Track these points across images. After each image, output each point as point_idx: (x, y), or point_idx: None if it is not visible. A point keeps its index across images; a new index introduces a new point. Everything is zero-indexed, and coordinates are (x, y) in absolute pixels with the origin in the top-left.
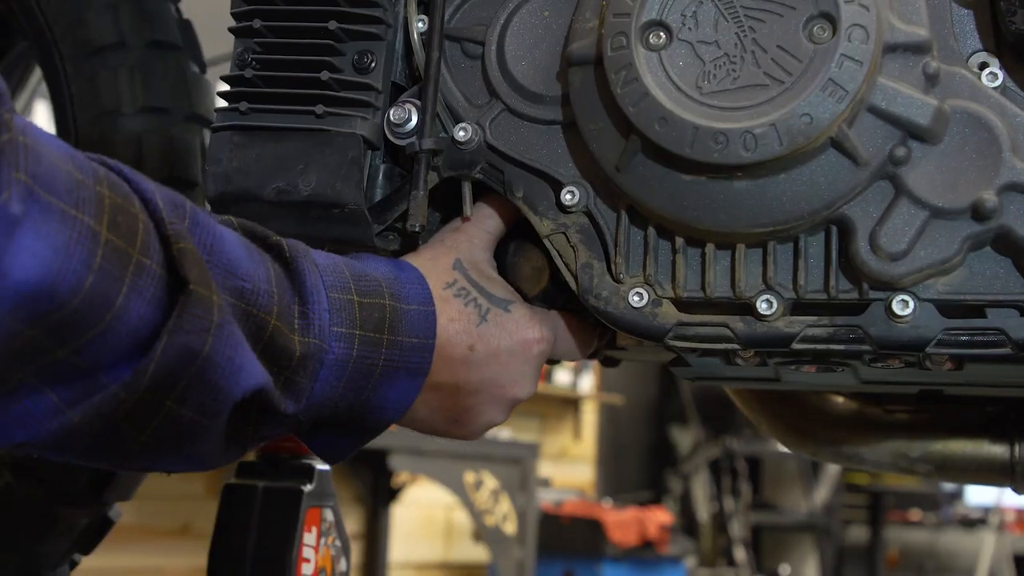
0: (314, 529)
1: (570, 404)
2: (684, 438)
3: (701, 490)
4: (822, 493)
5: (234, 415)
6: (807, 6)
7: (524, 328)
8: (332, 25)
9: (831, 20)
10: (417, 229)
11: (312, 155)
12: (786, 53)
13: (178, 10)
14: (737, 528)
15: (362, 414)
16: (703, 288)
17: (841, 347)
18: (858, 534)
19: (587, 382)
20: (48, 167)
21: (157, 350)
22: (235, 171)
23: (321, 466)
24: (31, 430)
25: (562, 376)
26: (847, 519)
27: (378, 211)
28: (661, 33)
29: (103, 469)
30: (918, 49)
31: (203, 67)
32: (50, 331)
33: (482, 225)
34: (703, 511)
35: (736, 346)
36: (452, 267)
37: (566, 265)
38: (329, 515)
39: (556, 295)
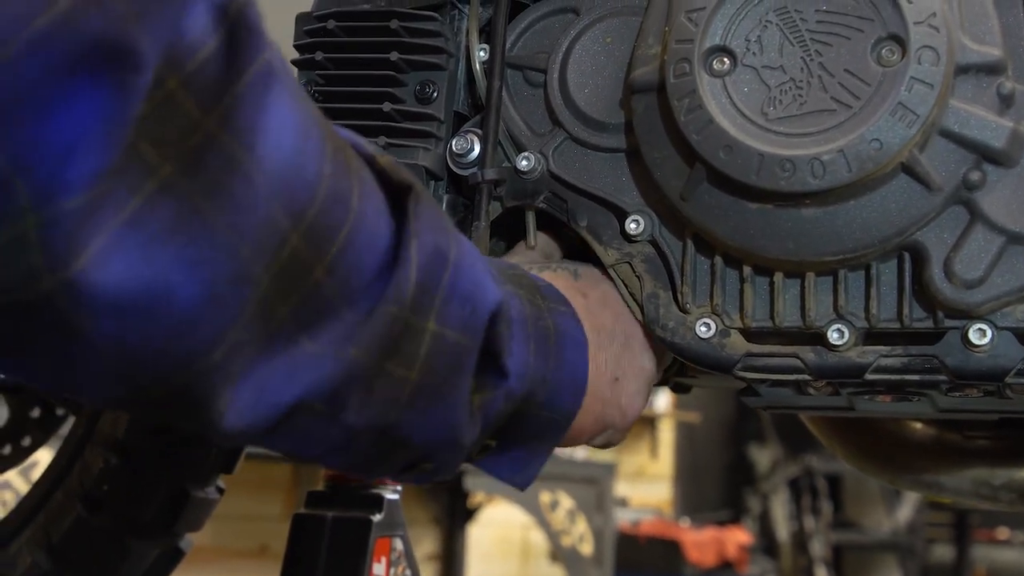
0: (383, 559)
1: (647, 423)
2: (763, 456)
3: (780, 509)
4: (905, 511)
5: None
6: (875, 28)
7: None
8: (393, 56)
9: (900, 42)
10: None
11: None
12: (854, 77)
13: None
14: (818, 548)
15: (555, 389)
16: (772, 318)
17: (916, 377)
18: (943, 553)
19: (663, 400)
20: (279, 52)
21: (411, 253)
22: None
23: (390, 495)
24: (305, 380)
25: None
26: (931, 538)
27: None
28: (725, 59)
29: (307, 462)
30: (992, 70)
31: None
32: (308, 234)
33: (549, 246)
34: (783, 530)
35: (807, 377)
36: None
37: (632, 295)
38: (399, 544)
39: None
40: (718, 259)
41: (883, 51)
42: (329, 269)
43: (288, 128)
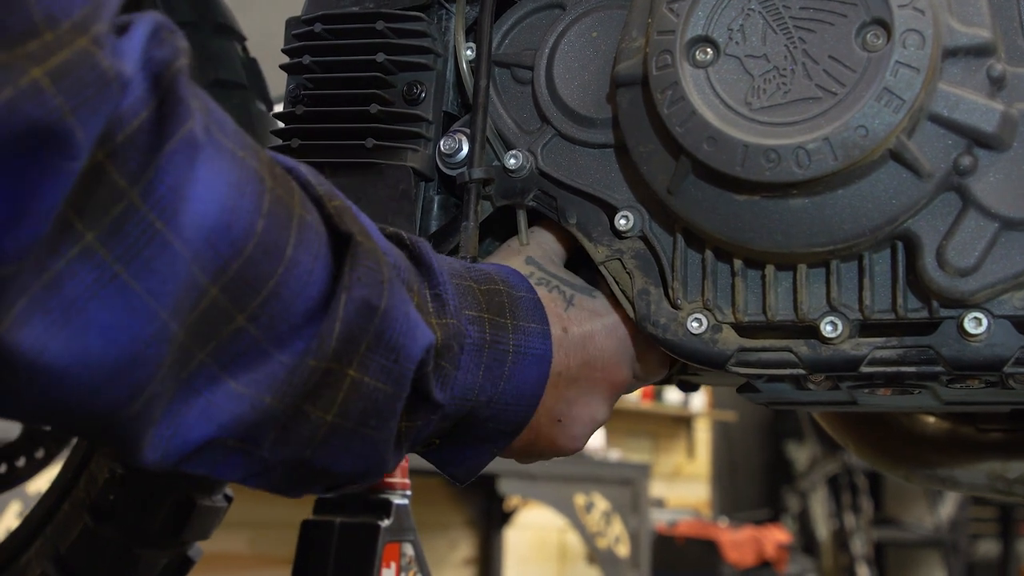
0: (393, 564)
1: (682, 422)
2: (801, 454)
3: (820, 507)
4: (948, 507)
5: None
6: (859, 13)
7: (612, 311)
8: (380, 57)
9: (884, 26)
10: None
11: (364, 189)
12: (838, 63)
13: (244, 49)
14: (859, 546)
15: (500, 411)
16: (764, 311)
17: (912, 369)
18: (988, 549)
19: (699, 399)
20: (215, 106)
21: (339, 307)
22: None
23: (399, 501)
24: (218, 420)
25: (673, 394)
26: (975, 533)
27: (433, 243)
28: (708, 49)
29: (277, 488)
30: (981, 52)
31: (270, 104)
32: (229, 287)
33: (544, 240)
34: (823, 529)
35: (801, 371)
36: (526, 263)
37: (623, 292)
38: (409, 549)
39: None
40: (708, 253)
41: (868, 36)
42: (252, 316)
43: (216, 191)
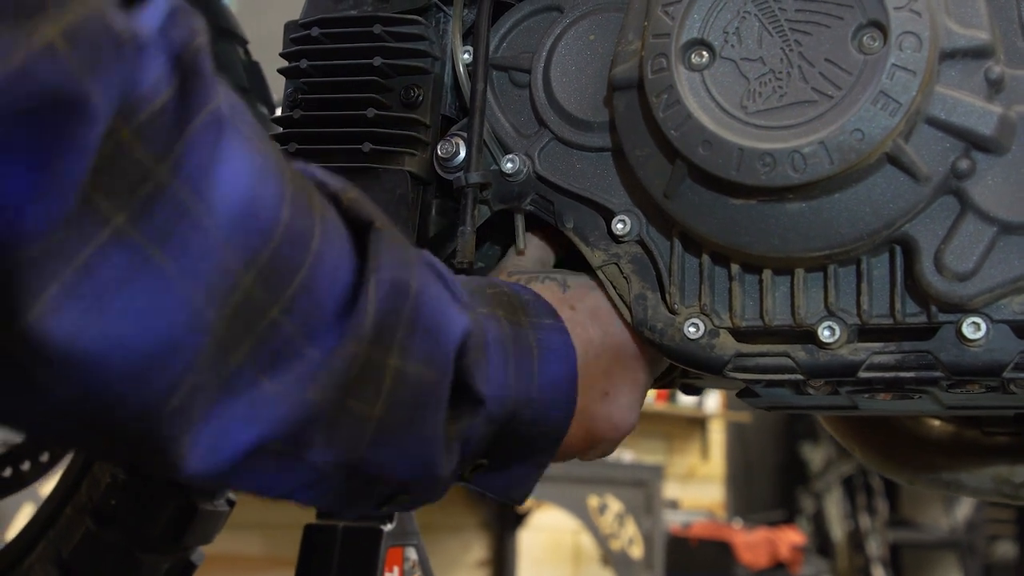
0: (396, 569)
1: (696, 423)
2: (816, 455)
3: (835, 508)
4: (964, 508)
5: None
6: (855, 15)
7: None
8: (377, 61)
9: (881, 28)
10: (465, 266)
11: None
12: (835, 66)
13: (247, 52)
14: (874, 547)
15: (543, 409)
16: (762, 316)
17: (911, 374)
18: (1006, 550)
19: (713, 400)
20: (233, 93)
21: (369, 291)
22: None
23: None
24: (261, 422)
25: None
26: (993, 534)
27: (430, 248)
28: (703, 52)
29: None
30: (978, 54)
31: (272, 108)
32: (262, 276)
33: (530, 248)
34: (837, 530)
35: (799, 376)
36: (508, 275)
37: (620, 297)
38: (412, 554)
39: None
40: (705, 258)
41: (864, 38)
42: (286, 309)
43: (242, 174)
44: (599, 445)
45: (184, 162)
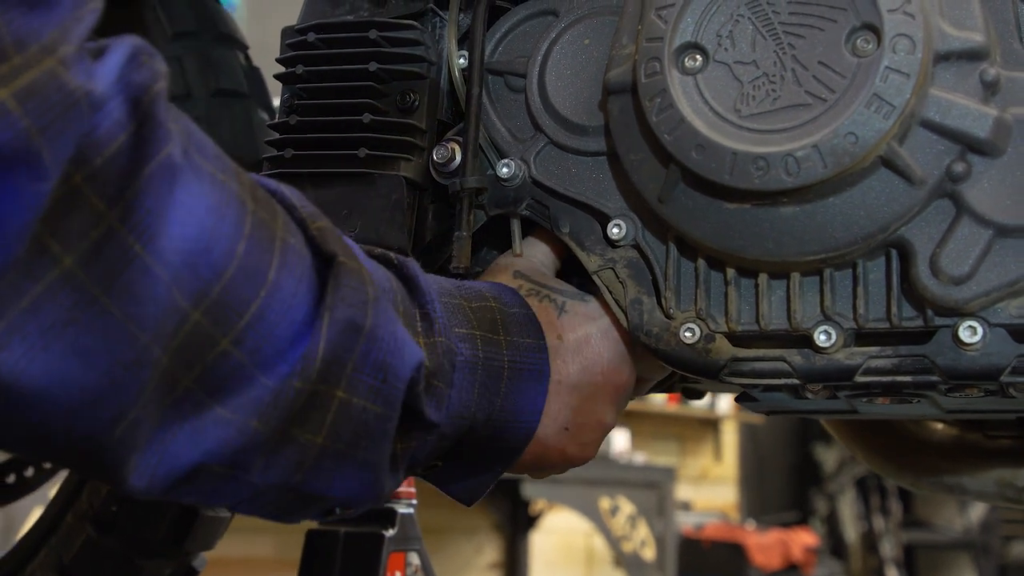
0: (398, 574)
1: (709, 425)
2: (829, 456)
3: (848, 509)
4: (978, 509)
5: None
6: (849, 18)
7: (605, 314)
8: (373, 67)
9: (874, 31)
10: (461, 272)
11: (356, 199)
12: (828, 69)
13: (247, 57)
14: (888, 548)
15: (500, 428)
16: (758, 321)
17: (908, 379)
18: (1020, 551)
19: (725, 402)
20: (195, 129)
21: (322, 327)
22: None
23: (404, 510)
24: (204, 445)
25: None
26: (1007, 535)
27: (427, 254)
28: (696, 56)
29: (267, 516)
30: (973, 56)
31: (272, 114)
32: (211, 311)
33: (535, 251)
34: (851, 531)
35: (795, 381)
36: (513, 277)
37: (616, 301)
38: (415, 559)
39: None
40: (701, 262)
41: (858, 41)
42: (237, 340)
43: (195, 215)
44: (547, 470)
45: (136, 207)
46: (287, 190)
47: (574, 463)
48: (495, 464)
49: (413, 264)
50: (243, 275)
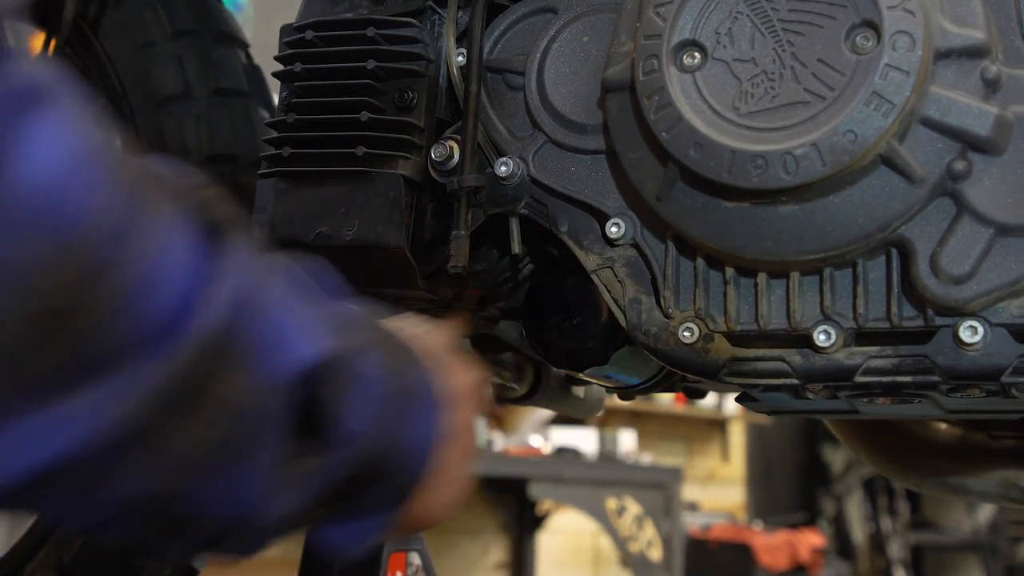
0: (399, 574)
1: (716, 425)
2: (836, 456)
3: (856, 510)
4: (986, 510)
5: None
6: (848, 15)
7: (429, 328)
8: (370, 64)
9: (874, 28)
10: (459, 270)
11: (354, 198)
12: (827, 67)
13: (248, 56)
14: (896, 549)
15: (395, 461)
16: (757, 320)
17: (908, 379)
18: None
19: (732, 402)
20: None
21: (202, 303)
22: (280, 218)
23: None
24: (62, 441)
25: (707, 397)
26: (1015, 536)
27: (425, 253)
28: (695, 53)
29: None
30: (974, 53)
31: (273, 112)
32: (64, 274)
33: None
34: (858, 532)
35: (794, 381)
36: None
37: (614, 301)
38: (416, 559)
39: None
40: (700, 261)
41: (857, 38)
42: (95, 318)
43: (52, 155)
44: (412, 525)
45: None
46: (169, 163)
47: (430, 523)
48: (391, 503)
49: (302, 263)
50: (107, 236)
